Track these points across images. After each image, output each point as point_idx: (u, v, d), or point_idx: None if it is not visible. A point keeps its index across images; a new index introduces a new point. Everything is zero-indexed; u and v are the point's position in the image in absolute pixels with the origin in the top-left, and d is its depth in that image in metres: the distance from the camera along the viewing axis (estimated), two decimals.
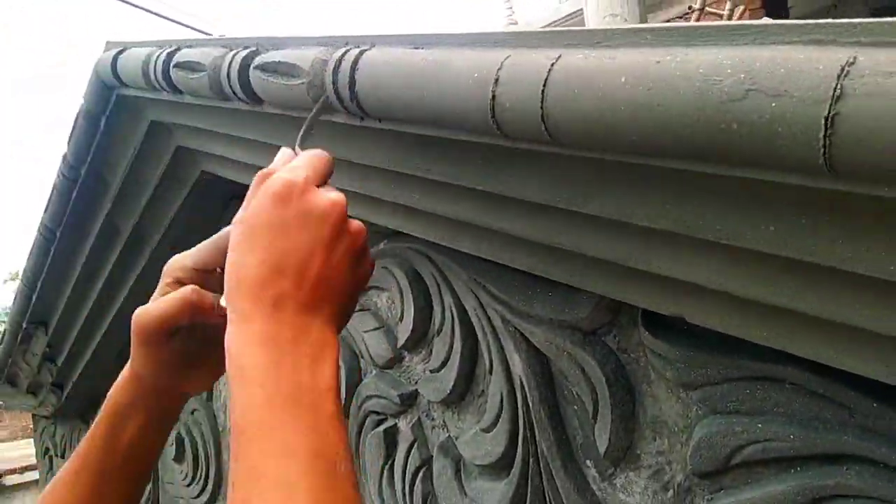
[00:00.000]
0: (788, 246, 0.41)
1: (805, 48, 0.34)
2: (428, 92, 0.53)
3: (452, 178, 0.63)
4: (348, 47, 0.62)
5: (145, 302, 0.60)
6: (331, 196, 0.53)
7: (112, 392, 0.63)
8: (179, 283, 0.61)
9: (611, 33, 0.43)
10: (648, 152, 0.41)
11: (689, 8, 6.34)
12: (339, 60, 0.62)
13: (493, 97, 0.48)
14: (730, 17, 5.91)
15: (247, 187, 0.55)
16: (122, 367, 0.62)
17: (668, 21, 7.16)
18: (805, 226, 0.40)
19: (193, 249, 0.63)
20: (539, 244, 0.62)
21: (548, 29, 0.46)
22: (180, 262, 0.63)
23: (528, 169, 0.54)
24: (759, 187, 0.39)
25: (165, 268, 0.63)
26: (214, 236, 0.62)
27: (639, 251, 0.52)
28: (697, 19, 5.92)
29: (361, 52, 0.60)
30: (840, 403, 0.55)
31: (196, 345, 0.62)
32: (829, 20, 0.34)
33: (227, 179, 1.15)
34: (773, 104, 0.34)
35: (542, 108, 0.44)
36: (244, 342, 0.48)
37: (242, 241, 0.52)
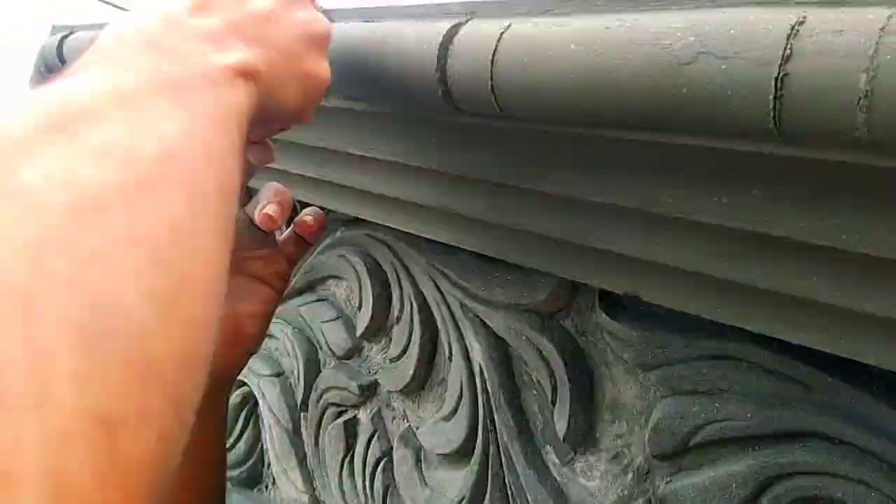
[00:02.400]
0: (740, 218, 0.40)
1: (756, 9, 0.33)
2: (377, 65, 0.51)
3: (405, 159, 0.61)
4: None
5: None
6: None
7: None
8: None
9: (562, 1, 0.42)
10: (599, 122, 0.40)
11: None
12: None
13: (443, 69, 0.46)
14: None
15: None
16: None
17: None
18: (757, 196, 0.39)
19: None
20: (495, 225, 0.60)
21: None
22: None
23: (482, 147, 0.53)
24: (711, 158, 0.38)
25: None
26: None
27: (593, 228, 0.51)
28: None
29: None
30: (797, 381, 0.55)
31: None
32: None
33: None
34: (723, 66, 0.33)
35: (491, 78, 0.43)
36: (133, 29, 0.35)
37: None
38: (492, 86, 0.43)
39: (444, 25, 0.47)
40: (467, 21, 0.46)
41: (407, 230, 0.72)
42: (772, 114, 0.32)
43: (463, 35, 0.45)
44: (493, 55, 0.42)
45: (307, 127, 0.74)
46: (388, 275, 0.91)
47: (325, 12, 0.51)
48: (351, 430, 1.01)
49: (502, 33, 0.43)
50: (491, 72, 0.43)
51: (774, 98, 0.31)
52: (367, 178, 0.71)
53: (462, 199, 0.60)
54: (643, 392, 0.67)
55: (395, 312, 0.91)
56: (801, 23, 0.31)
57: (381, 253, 0.92)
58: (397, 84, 0.50)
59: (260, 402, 1.15)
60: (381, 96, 0.54)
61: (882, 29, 0.29)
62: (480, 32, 0.44)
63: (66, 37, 1.11)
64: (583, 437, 0.71)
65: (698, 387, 0.61)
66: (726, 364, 0.59)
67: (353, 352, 0.99)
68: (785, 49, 0.31)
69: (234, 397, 1.19)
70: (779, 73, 0.31)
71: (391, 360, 0.92)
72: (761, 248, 0.41)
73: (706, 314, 0.50)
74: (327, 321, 1.02)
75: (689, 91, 0.34)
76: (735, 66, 0.32)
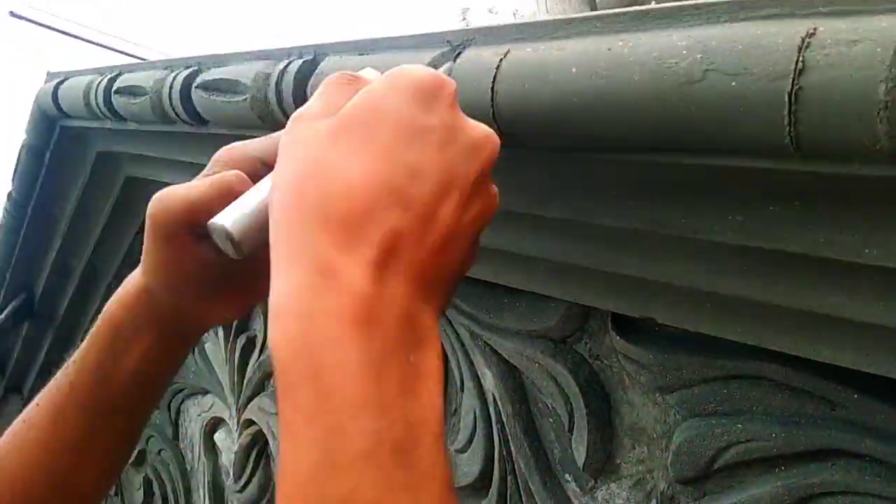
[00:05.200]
0: (757, 236, 0.39)
1: (762, 23, 0.32)
2: None
3: None
4: (291, 59, 0.60)
5: None
6: (485, 127, 0.37)
7: (110, 308, 0.47)
8: None
9: (559, 24, 0.41)
10: (607, 145, 0.39)
11: None
12: (282, 73, 0.59)
13: None
14: None
15: None
16: None
17: None
18: (775, 213, 0.38)
19: (255, 140, 0.46)
20: (502, 252, 0.59)
21: (494, 24, 0.44)
22: (240, 149, 0.45)
23: None
24: (724, 176, 0.37)
25: (216, 155, 0.46)
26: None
27: (604, 252, 0.49)
28: None
29: (305, 63, 0.58)
30: (821, 397, 0.53)
31: (231, 260, 0.42)
32: None
33: None
34: (733, 83, 0.32)
35: (492, 106, 0.42)
36: (324, 315, 0.28)
37: (337, 134, 0.33)
38: (493, 114, 0.42)
39: (441, 54, 0.46)
40: (464, 49, 0.45)
41: None
42: (787, 129, 0.31)
43: (461, 64, 0.44)
44: (493, 83, 0.42)
45: None
46: None
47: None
48: None
49: (501, 60, 0.42)
50: (492, 100, 0.42)
51: (789, 114, 0.30)
52: None
53: None
54: (663, 415, 0.65)
55: None
56: (812, 34, 0.30)
57: None
58: None
59: (270, 442, 1.13)
60: None
61: None
62: (479, 61, 0.43)
63: (60, 83, 1.11)
64: (603, 464, 0.69)
65: (719, 408, 0.60)
66: (746, 383, 0.57)
67: None
68: (797, 62, 0.30)
69: (244, 438, 1.17)
70: (792, 88, 0.30)
71: None
72: (780, 265, 0.40)
73: (725, 335, 0.49)
74: None
75: (698, 110, 0.33)
76: (745, 82, 0.31)
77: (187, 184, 0.44)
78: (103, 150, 1.14)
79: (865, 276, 0.37)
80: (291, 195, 0.32)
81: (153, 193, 0.44)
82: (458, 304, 0.79)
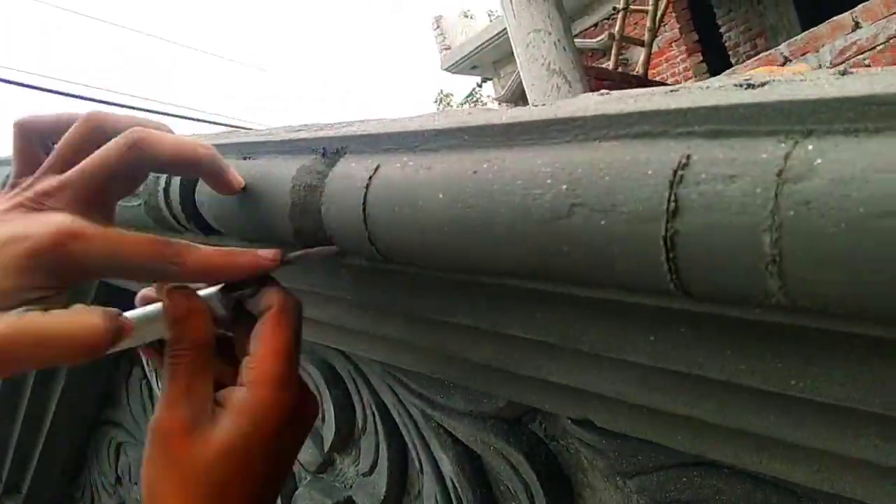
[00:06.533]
0: (672, 359, 0.34)
1: (632, 145, 0.27)
2: (255, 211, 0.46)
3: (322, 289, 0.55)
4: None
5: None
6: (313, 399, 0.46)
7: None
8: None
9: (429, 135, 0.36)
10: (482, 271, 0.34)
11: (614, 9, 6.43)
12: (169, 179, 0.54)
13: (321, 219, 0.41)
14: (654, 13, 5.98)
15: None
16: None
17: (595, 26, 7.25)
18: (685, 335, 0.33)
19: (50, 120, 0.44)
20: (430, 350, 0.54)
21: (365, 129, 0.39)
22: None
23: (389, 280, 0.47)
24: (614, 304, 0.32)
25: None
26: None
27: (524, 359, 0.44)
28: (623, 19, 6.00)
29: None
30: (785, 488, 0.48)
31: None
32: (660, 103, 0.28)
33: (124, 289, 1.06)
34: (603, 222, 0.27)
35: (366, 229, 0.37)
36: None
37: (220, 481, 0.39)
38: (369, 237, 0.37)
39: (316, 167, 0.41)
40: (338, 159, 0.40)
41: (345, 350, 0.66)
42: (669, 276, 0.26)
43: (333, 181, 0.39)
44: (364, 206, 0.37)
45: None
46: (347, 383, 0.85)
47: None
48: None
49: (370, 178, 0.37)
50: (365, 224, 0.37)
51: (668, 260, 0.25)
52: None
53: (386, 326, 0.54)
54: (625, 500, 0.60)
55: (360, 423, 0.84)
56: (685, 165, 0.25)
57: (338, 360, 0.85)
58: (280, 233, 0.44)
59: None
60: (269, 241, 0.48)
61: (779, 174, 0.23)
62: (350, 179, 0.38)
63: None
64: None
65: (681, 496, 0.54)
66: (707, 470, 0.52)
67: (326, 465, 0.92)
68: (669, 200, 0.25)
69: None
70: (666, 232, 0.25)
71: (363, 475, 0.85)
72: (703, 386, 0.35)
73: (665, 443, 0.43)
74: None
75: (570, 249, 0.28)
76: (615, 221, 0.26)
77: None
78: None
79: (798, 405, 0.32)
80: None
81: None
82: (408, 384, 0.73)
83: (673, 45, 6.84)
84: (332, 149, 0.42)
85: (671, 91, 0.29)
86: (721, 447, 0.40)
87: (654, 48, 6.30)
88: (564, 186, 0.28)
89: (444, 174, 0.33)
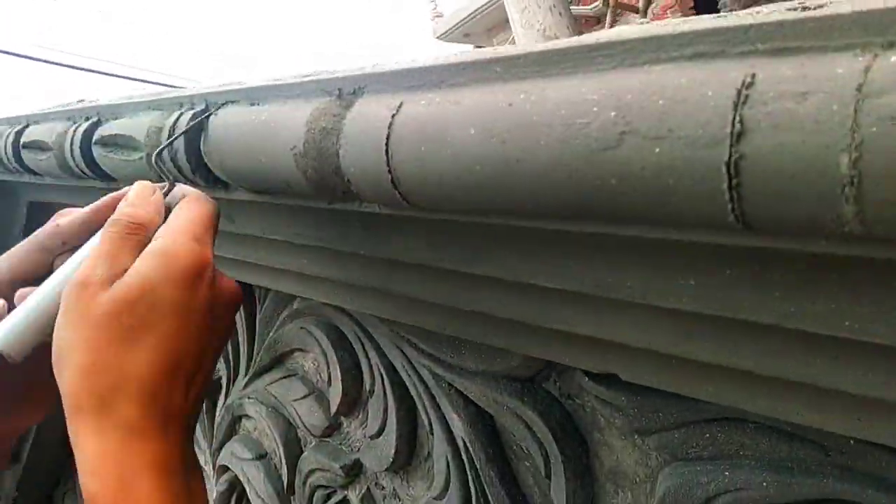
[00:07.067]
0: (715, 303, 0.32)
1: (688, 66, 0.25)
2: (266, 157, 0.44)
3: (333, 245, 0.53)
4: (182, 110, 0.52)
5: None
6: (234, 284, 0.47)
7: None
8: None
9: (455, 68, 0.34)
10: (520, 215, 0.32)
11: (604, 1, 6.32)
12: (173, 128, 0.52)
13: (338, 162, 0.38)
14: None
15: None
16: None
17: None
18: (731, 277, 0.31)
19: (6, 254, 0.48)
20: (443, 307, 0.52)
21: (391, 68, 0.37)
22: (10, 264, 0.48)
23: (406, 231, 0.45)
24: (664, 244, 0.30)
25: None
26: (35, 235, 0.48)
27: (549, 311, 0.43)
28: (614, 6, 5.90)
29: (195, 117, 0.50)
30: (813, 441, 0.47)
31: (14, 373, 0.47)
32: (716, 23, 0.26)
33: None
34: (657, 149, 0.25)
35: (390, 172, 0.35)
36: (137, 465, 0.37)
37: (119, 323, 0.39)
38: (393, 180, 0.36)
39: (333, 107, 0.39)
40: (355, 100, 0.38)
41: (354, 309, 0.64)
42: (730, 207, 0.24)
43: (351, 122, 0.37)
44: (387, 147, 0.35)
45: (225, 213, 0.66)
46: (354, 345, 0.83)
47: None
48: None
49: (393, 117, 0.35)
50: (388, 166, 0.35)
51: (730, 189, 0.24)
52: (303, 260, 0.63)
53: (399, 281, 0.52)
54: (644, 458, 0.59)
55: (368, 385, 0.83)
56: (750, 84, 0.23)
57: (343, 322, 0.83)
58: (291, 180, 0.42)
59: (247, 487, 1.07)
60: (282, 192, 0.46)
61: (859, 88, 0.21)
62: (370, 119, 0.36)
63: None
64: None
65: (704, 452, 0.53)
66: (731, 426, 0.51)
67: (332, 429, 0.91)
68: (734, 123, 0.23)
69: (220, 485, 1.11)
70: (730, 157, 0.23)
71: (371, 437, 0.84)
72: (745, 333, 0.33)
73: (694, 395, 0.42)
74: (299, 398, 0.94)
75: (619, 183, 0.26)
76: (671, 148, 0.24)
77: None
78: (35, 201, 1.07)
79: (847, 348, 0.30)
80: (85, 383, 0.38)
81: None
82: (417, 344, 0.72)
83: (668, 11, 6.76)
84: (348, 89, 0.39)
85: (719, 16, 0.27)
86: (754, 398, 0.39)
87: (649, 15, 6.23)
88: (613, 113, 0.26)
89: (475, 108, 0.31)
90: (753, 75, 0.23)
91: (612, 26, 6.20)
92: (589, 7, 6.53)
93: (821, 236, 0.23)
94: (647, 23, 0.30)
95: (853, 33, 0.22)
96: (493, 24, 7.38)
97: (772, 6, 0.30)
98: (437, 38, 7.88)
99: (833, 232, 0.22)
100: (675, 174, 0.24)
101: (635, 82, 0.26)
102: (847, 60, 0.22)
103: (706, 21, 0.26)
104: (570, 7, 3.95)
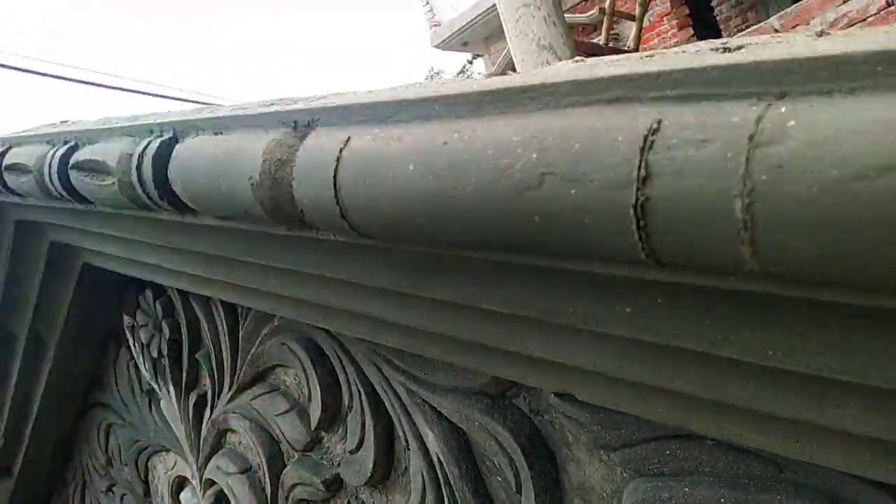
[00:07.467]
0: (649, 330, 0.33)
1: (603, 111, 0.26)
2: (227, 186, 0.45)
3: (298, 267, 0.55)
4: (151, 137, 0.54)
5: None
6: None
7: None
8: None
9: (400, 105, 0.35)
10: (458, 246, 0.33)
11: (600, 10, 6.31)
12: (142, 155, 0.53)
13: (292, 193, 0.40)
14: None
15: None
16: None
17: (585, 0, 7.16)
18: (663, 307, 0.32)
19: None
20: (409, 328, 0.53)
21: (337, 101, 0.38)
22: None
23: (363, 257, 0.46)
24: (588, 276, 0.31)
25: None
26: None
27: (504, 334, 0.44)
28: (610, 14, 5.91)
29: (163, 143, 0.52)
30: (767, 459, 0.48)
31: None
32: (629, 70, 0.27)
33: (110, 270, 1.05)
34: (573, 191, 0.26)
35: (338, 203, 0.36)
36: None
37: None
38: (341, 212, 0.37)
39: (287, 140, 0.40)
40: (309, 132, 0.39)
41: (325, 327, 0.65)
42: (640, 245, 0.25)
43: (304, 155, 0.38)
44: (335, 179, 0.36)
45: (196, 238, 0.67)
46: (333, 361, 0.84)
47: None
48: None
49: (341, 150, 0.36)
50: (336, 198, 0.36)
51: (638, 229, 0.25)
52: (275, 280, 0.64)
53: (367, 303, 0.53)
54: (609, 473, 0.60)
55: (346, 401, 0.84)
56: (656, 130, 0.24)
57: (322, 338, 0.84)
58: (251, 209, 0.44)
59: (232, 501, 1.07)
60: (244, 219, 0.47)
61: (751, 138, 0.22)
62: (321, 152, 0.37)
63: None
64: None
65: (665, 468, 0.54)
66: (690, 442, 0.52)
67: (314, 444, 0.92)
68: (639, 168, 0.24)
69: (206, 499, 1.12)
70: (636, 200, 0.24)
71: (350, 452, 0.85)
72: (681, 357, 0.35)
73: (646, 416, 0.43)
74: (281, 413, 0.95)
75: (541, 220, 0.27)
76: (586, 190, 0.26)
77: None
78: (22, 220, 1.08)
79: (775, 375, 0.31)
80: None
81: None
82: (393, 361, 0.73)
83: (664, 19, 6.79)
84: (303, 122, 0.41)
85: (646, 56, 0.29)
86: (701, 419, 0.40)
87: (645, 23, 6.25)
88: (535, 155, 0.27)
89: (414, 145, 0.32)
90: (659, 122, 0.24)
91: (608, 34, 6.22)
92: (585, 16, 6.55)
93: (727, 274, 0.24)
94: (582, 61, 0.31)
95: (751, 82, 0.23)
96: (490, 32, 7.41)
97: (700, 43, 0.31)
98: (435, 46, 7.91)
99: (736, 271, 0.23)
100: (590, 214, 0.26)
101: (557, 125, 0.27)
102: (742, 109, 0.23)
103: (626, 65, 0.27)
104: (566, 16, 3.97)
